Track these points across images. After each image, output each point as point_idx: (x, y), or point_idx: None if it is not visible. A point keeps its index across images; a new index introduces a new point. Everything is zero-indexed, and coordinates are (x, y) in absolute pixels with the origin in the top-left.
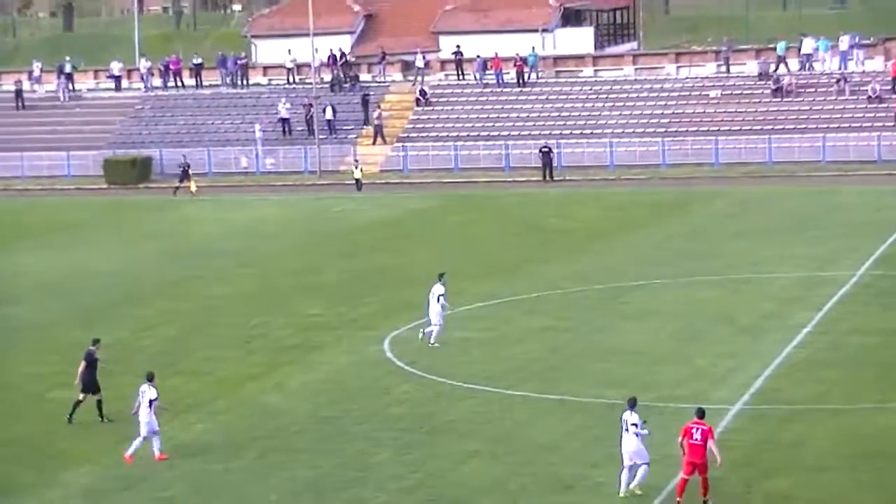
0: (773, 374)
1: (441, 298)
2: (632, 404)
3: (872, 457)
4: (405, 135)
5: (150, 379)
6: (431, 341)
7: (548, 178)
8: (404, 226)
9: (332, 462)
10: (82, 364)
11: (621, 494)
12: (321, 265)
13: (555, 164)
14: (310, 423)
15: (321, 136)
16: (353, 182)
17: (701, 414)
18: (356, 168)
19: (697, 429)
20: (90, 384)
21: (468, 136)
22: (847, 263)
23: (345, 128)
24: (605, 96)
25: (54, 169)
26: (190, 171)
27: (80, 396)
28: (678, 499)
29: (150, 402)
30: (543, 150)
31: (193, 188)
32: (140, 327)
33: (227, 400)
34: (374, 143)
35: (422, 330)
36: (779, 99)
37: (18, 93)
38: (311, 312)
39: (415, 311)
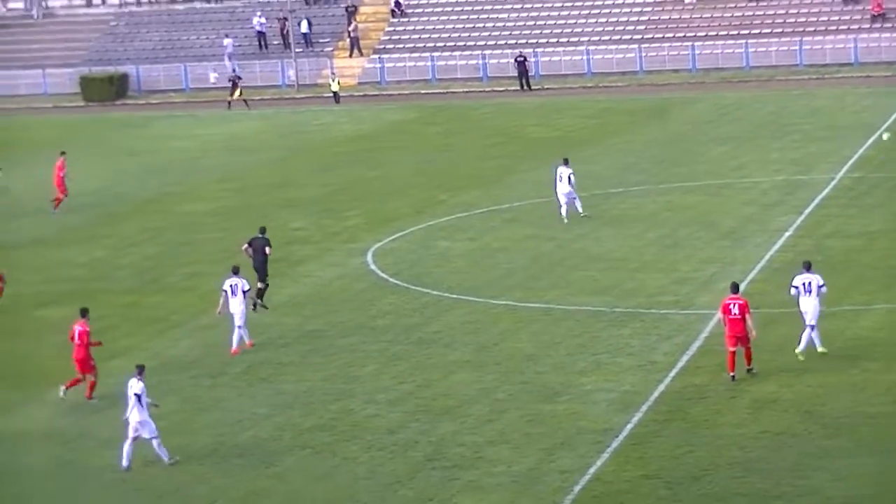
0: (756, 279)
1: (571, 177)
2: (808, 266)
3: (856, 358)
4: (381, 46)
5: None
6: (581, 211)
7: (525, 87)
8: (383, 138)
9: (319, 375)
10: (245, 248)
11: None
12: (302, 179)
13: (531, 72)
14: (295, 336)
15: (297, 50)
16: (331, 95)
17: (735, 289)
18: (333, 81)
19: (734, 304)
20: (262, 270)
21: (444, 46)
22: (826, 167)
23: (321, 41)
24: (580, 4)
25: (31, 87)
26: (239, 83)
27: (259, 284)
28: (730, 373)
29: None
30: (519, 59)
31: (237, 95)
32: (120, 245)
33: (212, 315)
34: (350, 56)
35: (561, 208)
36: (755, 3)
37: None
38: (293, 226)
39: (396, 223)
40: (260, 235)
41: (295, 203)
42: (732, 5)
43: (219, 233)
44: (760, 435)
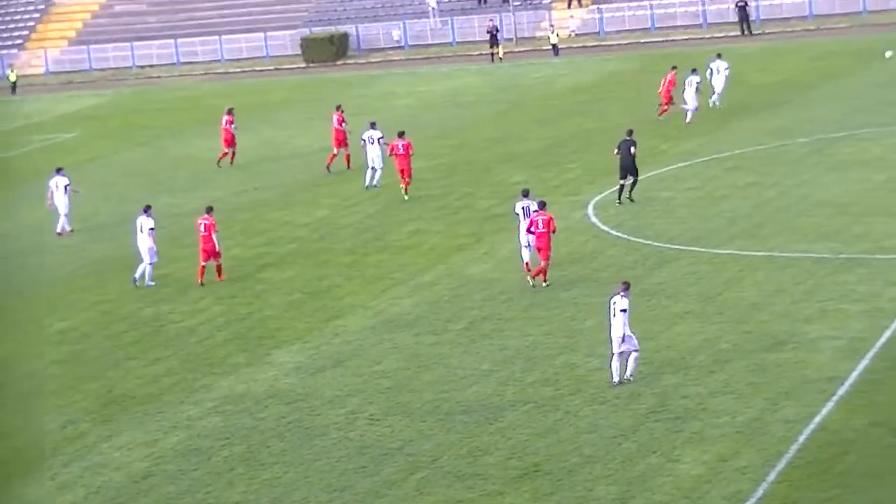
0: None
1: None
2: None
3: None
4: None
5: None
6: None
7: (746, 32)
8: (603, 89)
9: (542, 329)
10: (615, 152)
11: None
12: (521, 133)
13: (752, 17)
14: (518, 291)
15: (515, 3)
16: (550, 47)
17: None
18: (552, 33)
19: None
20: (630, 168)
21: None
22: None
23: None
24: None
25: (253, 50)
26: (498, 36)
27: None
28: None
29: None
30: (739, 4)
31: (500, 53)
32: (342, 205)
33: (434, 272)
34: (568, 7)
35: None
36: None
37: None
38: (514, 181)
39: (617, 175)
40: (627, 138)
41: (515, 157)
42: None
43: (440, 189)
44: None
